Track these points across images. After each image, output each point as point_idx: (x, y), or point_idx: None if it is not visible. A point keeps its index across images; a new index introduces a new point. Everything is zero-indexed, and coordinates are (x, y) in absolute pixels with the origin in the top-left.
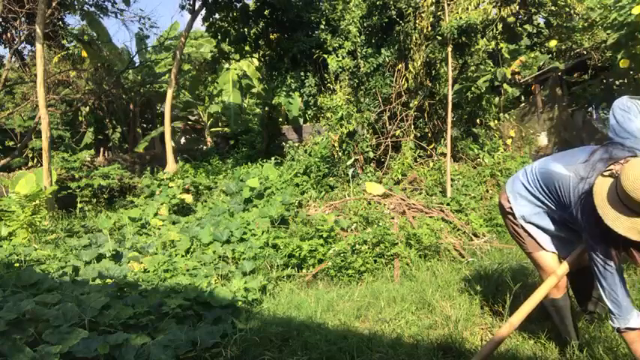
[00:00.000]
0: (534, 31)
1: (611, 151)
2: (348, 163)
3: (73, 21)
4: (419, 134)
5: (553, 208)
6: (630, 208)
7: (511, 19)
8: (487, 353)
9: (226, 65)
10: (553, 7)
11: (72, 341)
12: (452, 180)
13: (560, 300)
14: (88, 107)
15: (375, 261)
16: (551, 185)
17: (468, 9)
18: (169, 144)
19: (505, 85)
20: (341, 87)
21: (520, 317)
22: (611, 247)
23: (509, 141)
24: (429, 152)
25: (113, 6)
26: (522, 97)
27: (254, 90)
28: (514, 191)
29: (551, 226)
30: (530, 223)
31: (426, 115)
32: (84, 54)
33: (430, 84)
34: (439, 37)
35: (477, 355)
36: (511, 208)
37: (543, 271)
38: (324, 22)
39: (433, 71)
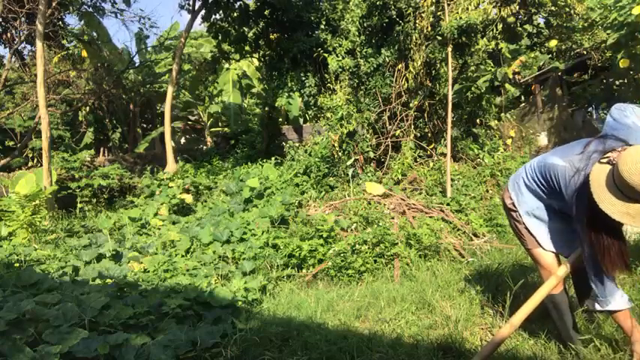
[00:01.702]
0: (534, 31)
1: (605, 142)
2: (348, 163)
3: (73, 21)
4: (419, 134)
5: (552, 199)
6: (625, 194)
7: (511, 19)
8: (487, 354)
9: (226, 65)
10: (553, 7)
11: (72, 341)
12: (452, 180)
13: (557, 296)
14: (88, 107)
15: (375, 261)
16: (548, 176)
17: (468, 9)
18: (169, 144)
19: (506, 85)
20: (341, 87)
21: (521, 317)
22: (600, 234)
23: (509, 141)
24: (429, 152)
25: (113, 6)
26: (522, 97)
27: (254, 90)
28: (515, 188)
29: (552, 221)
30: (534, 216)
31: (426, 115)
32: (84, 54)
33: (430, 84)
34: (439, 37)
35: (477, 356)
36: (513, 204)
37: (542, 268)
38: (324, 22)
39: (433, 71)
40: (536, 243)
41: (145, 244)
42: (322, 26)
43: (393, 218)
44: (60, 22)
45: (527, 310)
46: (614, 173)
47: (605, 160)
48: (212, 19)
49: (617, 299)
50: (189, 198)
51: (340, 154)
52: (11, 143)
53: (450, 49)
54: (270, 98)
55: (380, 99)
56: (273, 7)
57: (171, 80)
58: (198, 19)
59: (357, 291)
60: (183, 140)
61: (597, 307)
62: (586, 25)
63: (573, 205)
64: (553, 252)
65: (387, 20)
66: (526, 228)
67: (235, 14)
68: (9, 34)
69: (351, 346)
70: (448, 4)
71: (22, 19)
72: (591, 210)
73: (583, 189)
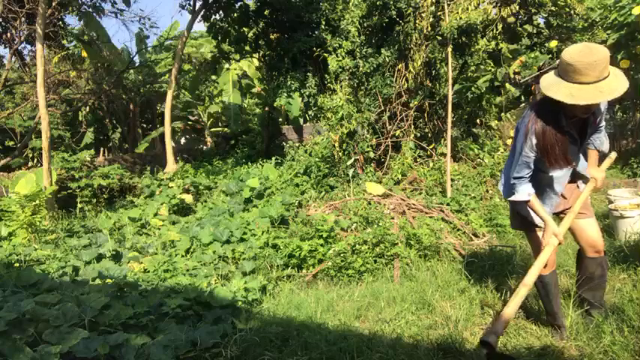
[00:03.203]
0: (534, 31)
1: None
2: (348, 163)
3: (73, 21)
4: (419, 134)
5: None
6: (566, 78)
7: (511, 19)
8: (507, 319)
9: (226, 65)
10: (553, 8)
11: (72, 341)
12: (452, 180)
13: (547, 276)
14: (88, 107)
15: (375, 261)
16: (515, 134)
17: (468, 9)
18: (169, 144)
19: (506, 85)
20: (341, 87)
21: (533, 277)
22: (547, 134)
23: (509, 141)
24: (429, 152)
25: (113, 6)
26: (522, 97)
27: (254, 90)
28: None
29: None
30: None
31: (426, 115)
32: (84, 54)
33: (430, 84)
34: (439, 37)
35: (493, 329)
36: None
37: (538, 250)
38: (324, 22)
39: (433, 71)
40: (535, 226)
41: (145, 244)
42: (322, 26)
43: (393, 218)
44: (60, 22)
45: (537, 269)
46: (558, 66)
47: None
48: (212, 20)
49: (519, 193)
50: (189, 198)
51: (340, 154)
52: (11, 143)
53: (450, 49)
54: (270, 98)
55: (380, 99)
56: (273, 7)
57: (171, 80)
58: (199, 19)
59: (357, 291)
60: (183, 140)
61: (510, 197)
62: (586, 25)
63: (525, 119)
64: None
65: (386, 20)
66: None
67: (235, 14)
68: (9, 34)
69: (351, 346)
70: (448, 4)
71: (22, 19)
72: (540, 114)
73: (533, 107)
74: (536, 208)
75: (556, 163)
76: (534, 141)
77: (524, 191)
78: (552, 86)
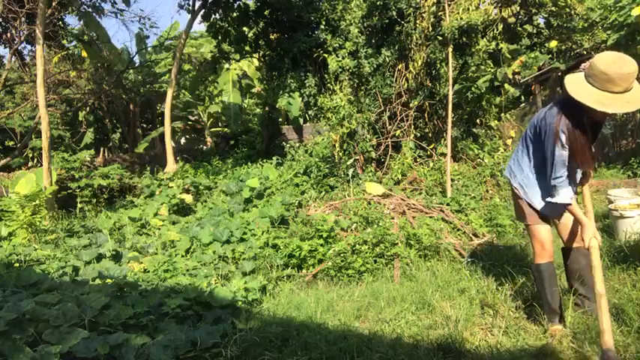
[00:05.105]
0: (534, 31)
1: None
2: (349, 163)
3: (73, 21)
4: (419, 134)
5: (537, 147)
6: (597, 86)
7: (511, 19)
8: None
9: (226, 65)
10: (553, 8)
11: (72, 341)
12: (452, 180)
13: (543, 265)
14: (88, 107)
15: (375, 261)
16: (534, 124)
17: (468, 9)
18: (169, 144)
19: (506, 85)
20: (341, 87)
21: (600, 284)
22: (577, 137)
23: (509, 141)
24: (429, 152)
25: (113, 6)
26: (522, 97)
27: (254, 90)
28: (508, 170)
29: (538, 180)
30: (524, 185)
31: (426, 115)
32: (84, 54)
33: (430, 84)
34: (440, 38)
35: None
36: (510, 182)
37: (536, 241)
38: (324, 22)
39: (433, 71)
40: (535, 219)
41: (145, 244)
42: (322, 26)
43: (393, 218)
44: (60, 22)
45: (598, 276)
46: (588, 71)
47: (576, 71)
48: (212, 19)
49: (563, 195)
50: (189, 198)
51: (340, 154)
52: (11, 143)
53: (450, 49)
54: (270, 98)
55: (380, 99)
56: (273, 7)
57: (171, 80)
58: (198, 19)
59: (357, 291)
60: (183, 140)
61: (550, 199)
62: (586, 25)
63: (549, 119)
64: (546, 221)
65: (387, 20)
66: (527, 203)
67: (235, 14)
68: (9, 34)
69: (351, 346)
70: (449, 5)
71: (22, 19)
72: (567, 115)
73: (549, 112)
74: (576, 211)
75: (586, 163)
76: (564, 139)
77: (567, 194)
78: (581, 90)
